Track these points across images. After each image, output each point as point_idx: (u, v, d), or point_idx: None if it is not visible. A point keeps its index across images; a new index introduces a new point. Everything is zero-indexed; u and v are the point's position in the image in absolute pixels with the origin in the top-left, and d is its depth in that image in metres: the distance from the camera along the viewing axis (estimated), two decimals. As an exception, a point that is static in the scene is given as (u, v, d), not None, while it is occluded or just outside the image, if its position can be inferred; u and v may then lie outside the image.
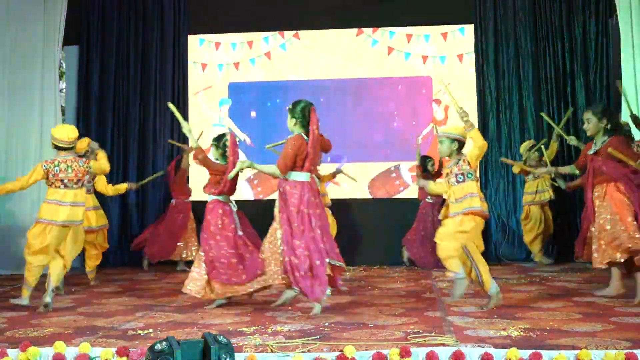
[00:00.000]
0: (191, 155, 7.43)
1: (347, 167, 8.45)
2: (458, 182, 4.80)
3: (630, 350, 3.25)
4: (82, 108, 8.83)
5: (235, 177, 5.06)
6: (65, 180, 5.12)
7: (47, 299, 5.03)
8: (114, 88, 8.88)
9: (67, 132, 5.17)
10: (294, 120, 4.77)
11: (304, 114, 4.75)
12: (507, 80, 8.47)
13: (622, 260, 4.97)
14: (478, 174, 8.30)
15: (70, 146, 5.20)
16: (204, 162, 5.24)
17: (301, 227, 4.67)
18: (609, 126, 5.14)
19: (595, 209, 5.10)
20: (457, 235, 4.73)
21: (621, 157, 4.96)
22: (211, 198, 5.22)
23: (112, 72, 8.88)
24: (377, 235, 8.24)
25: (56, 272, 5.17)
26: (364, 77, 8.74)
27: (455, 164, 4.84)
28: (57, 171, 5.11)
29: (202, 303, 5.23)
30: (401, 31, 8.71)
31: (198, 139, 5.15)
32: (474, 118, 8.44)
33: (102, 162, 5.70)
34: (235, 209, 5.28)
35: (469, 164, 4.80)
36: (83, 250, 6.14)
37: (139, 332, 4.12)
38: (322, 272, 4.65)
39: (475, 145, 4.77)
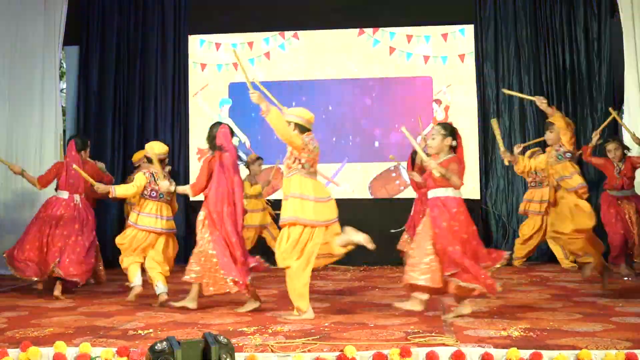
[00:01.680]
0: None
1: (347, 167, 8.49)
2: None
3: (630, 350, 3.26)
4: (82, 108, 8.83)
5: (58, 177, 6.12)
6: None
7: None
8: (114, 88, 8.88)
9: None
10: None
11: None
12: (507, 80, 8.47)
13: None
14: (478, 173, 8.41)
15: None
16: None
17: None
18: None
19: None
20: None
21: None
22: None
23: (112, 72, 8.88)
24: (377, 235, 8.19)
25: None
26: (364, 77, 8.74)
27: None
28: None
29: (203, 303, 5.24)
30: (401, 32, 8.71)
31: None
32: (474, 118, 8.47)
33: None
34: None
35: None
36: None
37: (139, 332, 4.12)
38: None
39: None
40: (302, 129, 4.65)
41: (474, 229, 4.55)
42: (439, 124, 4.70)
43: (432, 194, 4.58)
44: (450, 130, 4.59)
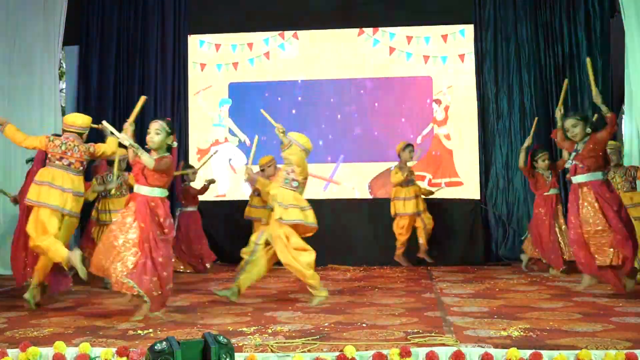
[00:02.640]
0: None
1: (347, 167, 8.49)
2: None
3: (630, 350, 3.25)
4: (82, 108, 8.83)
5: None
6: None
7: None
8: (114, 88, 8.89)
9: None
10: None
11: None
12: (507, 80, 8.47)
13: None
14: (478, 173, 8.40)
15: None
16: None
17: None
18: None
19: None
20: None
21: None
22: None
23: (112, 72, 8.89)
24: (377, 235, 8.22)
25: None
26: (364, 77, 8.74)
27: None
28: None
29: (203, 303, 5.24)
30: (401, 32, 8.71)
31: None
32: (474, 118, 8.47)
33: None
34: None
35: None
36: None
37: (139, 332, 4.12)
38: None
39: None
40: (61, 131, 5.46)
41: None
42: (163, 121, 5.00)
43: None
44: (172, 130, 5.03)
